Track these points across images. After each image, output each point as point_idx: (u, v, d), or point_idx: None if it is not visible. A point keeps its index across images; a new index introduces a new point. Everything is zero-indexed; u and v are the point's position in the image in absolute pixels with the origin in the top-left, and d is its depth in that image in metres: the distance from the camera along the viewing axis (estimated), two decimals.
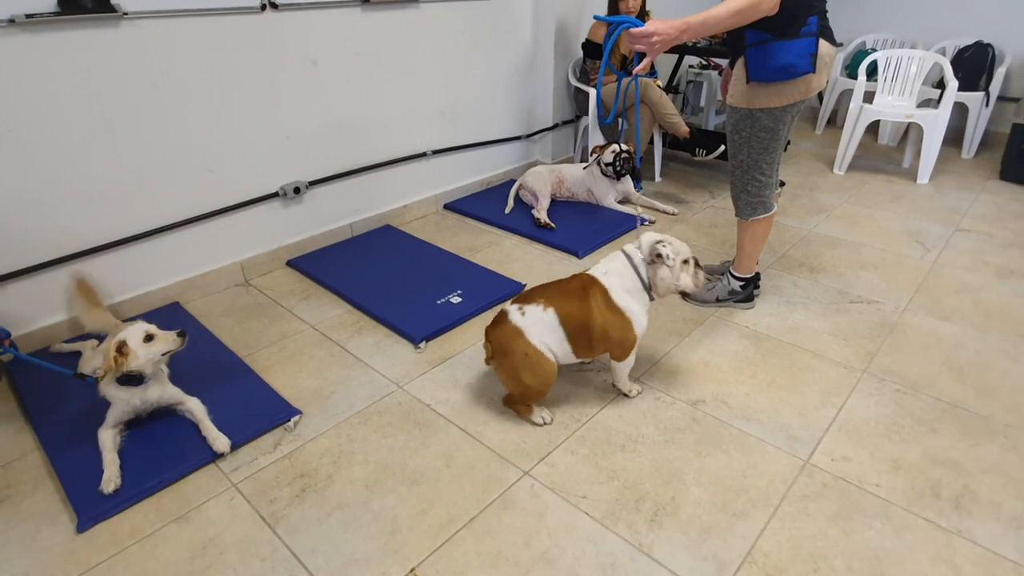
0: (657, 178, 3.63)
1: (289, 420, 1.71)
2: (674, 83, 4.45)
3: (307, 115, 2.49)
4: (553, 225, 2.90)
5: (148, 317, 1.92)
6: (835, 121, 4.78)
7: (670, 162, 3.90)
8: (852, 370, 1.94)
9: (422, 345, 2.06)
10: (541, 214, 2.96)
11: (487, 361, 1.69)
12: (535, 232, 2.89)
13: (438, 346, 2.07)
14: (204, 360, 1.96)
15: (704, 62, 4.55)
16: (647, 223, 3.03)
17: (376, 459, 1.60)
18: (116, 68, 1.97)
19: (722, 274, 2.34)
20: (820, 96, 4.89)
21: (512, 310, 1.65)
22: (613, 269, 1.67)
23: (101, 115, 1.98)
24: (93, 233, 2.08)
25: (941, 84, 4.00)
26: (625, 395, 1.81)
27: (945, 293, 2.39)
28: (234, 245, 2.45)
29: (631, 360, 1.72)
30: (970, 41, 4.06)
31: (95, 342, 1.93)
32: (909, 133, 3.94)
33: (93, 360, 1.79)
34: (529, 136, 3.58)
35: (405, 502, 1.48)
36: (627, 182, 3.18)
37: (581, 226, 2.94)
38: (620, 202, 3.20)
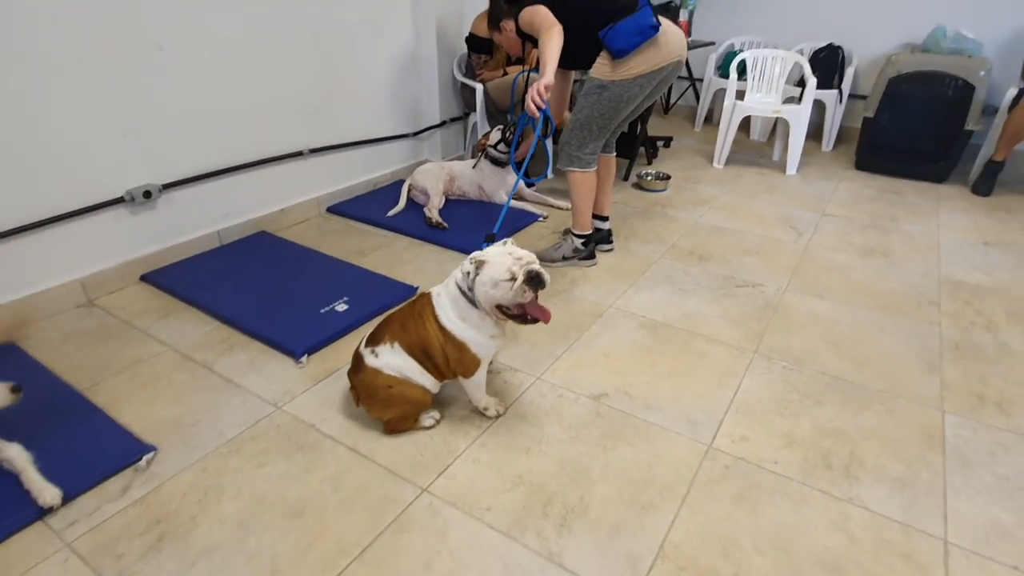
0: (549, 174, 3.61)
1: (140, 459, 1.46)
2: None
3: (154, 108, 2.20)
4: (445, 224, 2.78)
5: None
6: (711, 119, 5.05)
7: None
8: (744, 351, 1.98)
9: (304, 359, 1.86)
10: (432, 213, 2.83)
11: (356, 404, 1.58)
12: (427, 233, 2.75)
13: (322, 359, 1.88)
14: (34, 399, 1.63)
15: None
16: (541, 219, 2.99)
17: (250, 492, 1.40)
18: None
19: (566, 234, 2.55)
20: (697, 95, 5.15)
21: (366, 353, 1.54)
22: (445, 289, 1.51)
23: None
24: None
25: (802, 82, 4.34)
26: (481, 413, 1.67)
27: (818, 273, 2.54)
28: (71, 260, 2.10)
29: (479, 378, 1.56)
30: (823, 44, 4.44)
31: None
32: (777, 128, 4.22)
33: None
34: (416, 134, 3.43)
35: (286, 537, 1.29)
36: (514, 175, 3.12)
37: (475, 224, 2.85)
38: (513, 198, 3.14)
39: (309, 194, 2.92)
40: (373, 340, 1.56)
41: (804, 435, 1.62)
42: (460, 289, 1.48)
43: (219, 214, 2.53)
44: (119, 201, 2.17)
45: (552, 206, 3.14)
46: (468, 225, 2.82)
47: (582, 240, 2.48)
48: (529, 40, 2.30)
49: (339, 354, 1.90)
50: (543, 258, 2.49)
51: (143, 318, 2.07)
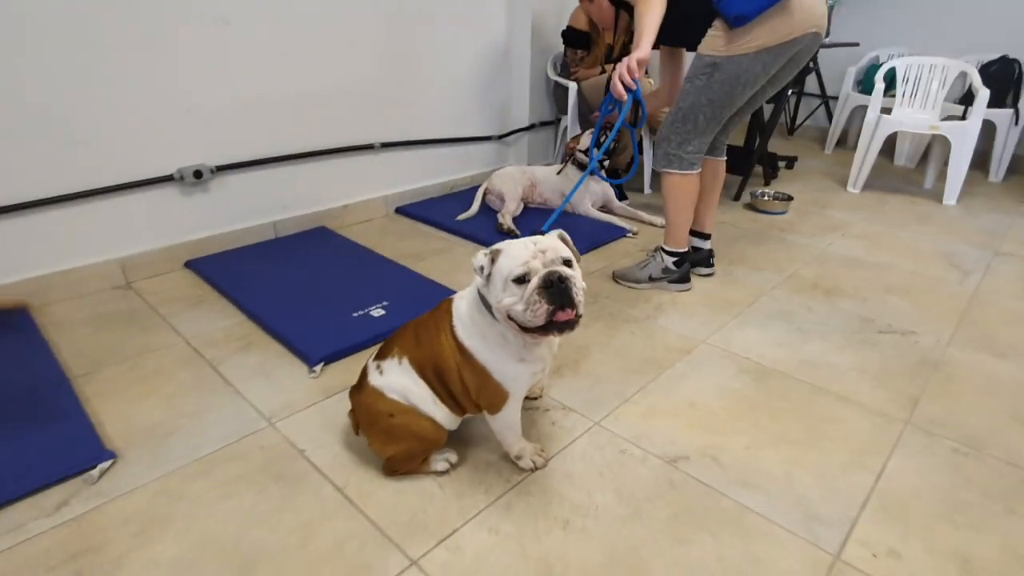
0: (646, 189, 3.18)
1: (94, 467, 1.21)
2: None
3: (215, 85, 2.05)
4: (518, 232, 2.43)
5: None
6: (845, 142, 4.37)
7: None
8: (890, 420, 1.44)
9: (317, 368, 1.56)
10: (505, 219, 2.50)
11: (356, 432, 1.24)
12: (496, 239, 2.39)
13: (339, 370, 1.58)
14: (16, 381, 1.46)
15: None
16: (630, 234, 2.57)
17: (201, 530, 1.09)
18: None
19: (656, 251, 2.11)
20: (829, 114, 4.49)
21: (371, 368, 1.21)
22: (466, 297, 1.14)
23: None
24: None
25: (965, 99, 3.60)
26: (513, 462, 1.26)
27: (995, 324, 1.90)
28: (113, 237, 1.98)
29: (508, 417, 1.17)
30: (994, 56, 3.67)
31: None
32: (931, 152, 3.51)
33: None
34: (502, 137, 3.14)
35: None
36: (606, 186, 2.73)
37: None
38: (600, 210, 2.74)
39: (377, 192, 2.70)
40: (382, 352, 1.23)
41: (991, 562, 1.07)
42: (479, 293, 1.10)
43: (276, 204, 2.36)
44: (168, 179, 2.04)
45: (645, 222, 2.70)
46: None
47: (675, 259, 2.03)
48: (625, 9, 1.92)
49: (358, 367, 1.57)
50: (625, 277, 2.08)
51: (171, 305, 1.89)
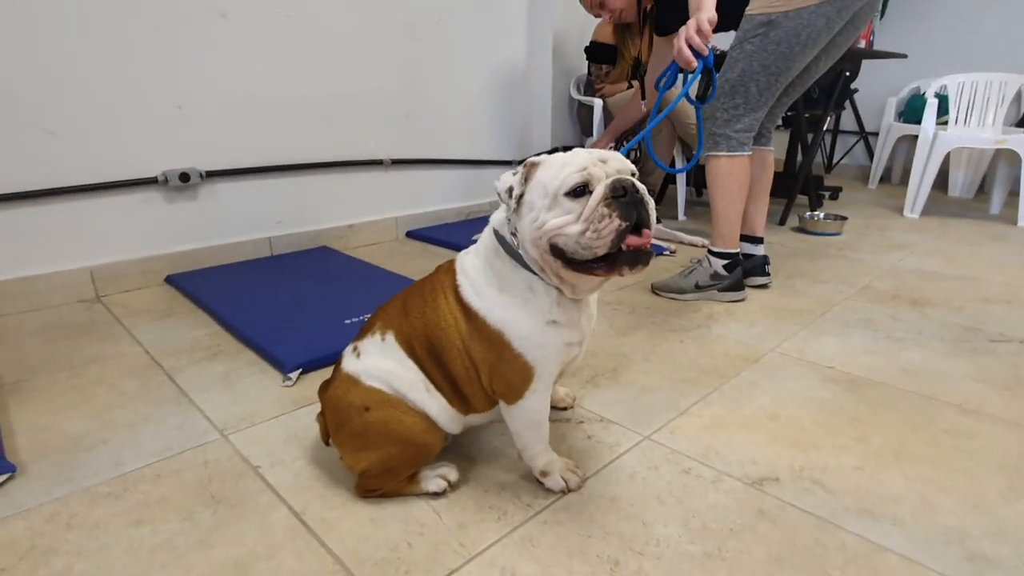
0: (680, 215, 2.91)
1: None
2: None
3: (207, 83, 1.89)
4: None
5: None
6: (890, 178, 4.09)
7: (695, 206, 3.20)
8: None
9: (293, 376, 1.26)
10: None
11: (325, 442, 0.92)
12: None
13: (318, 380, 1.27)
14: None
15: None
16: (667, 253, 2.27)
17: (85, 570, 0.77)
18: None
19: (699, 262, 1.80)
20: (870, 151, 4.25)
21: (347, 353, 0.92)
22: (475, 252, 0.88)
23: None
24: None
25: (1023, 122, 3.34)
26: (538, 480, 0.92)
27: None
28: (83, 244, 1.75)
29: (535, 407, 0.85)
30: None
31: None
32: (991, 178, 3.20)
33: None
34: (522, 162, 2.93)
35: None
36: None
37: None
38: None
39: (386, 212, 2.47)
40: (362, 332, 0.93)
41: None
42: (496, 233, 0.83)
43: (273, 219, 2.13)
44: (151, 182, 1.83)
45: (684, 243, 2.42)
46: None
47: (725, 262, 1.73)
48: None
49: None
50: (667, 288, 1.80)
51: (139, 316, 1.63)
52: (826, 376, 1.29)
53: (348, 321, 1.50)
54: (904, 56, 2.95)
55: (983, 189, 3.59)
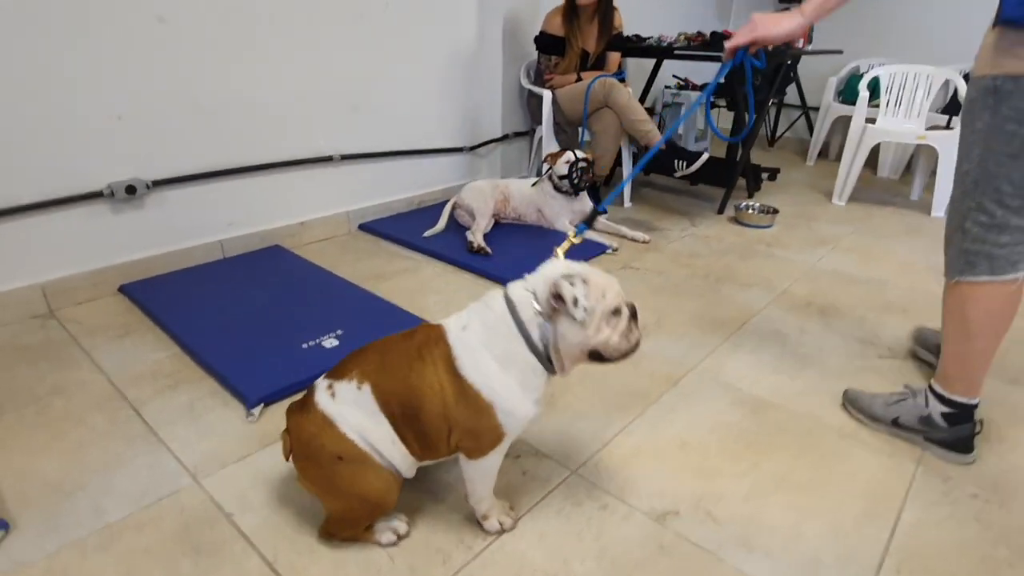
0: (627, 203, 3.04)
1: None
2: (647, 107, 3.93)
3: (148, 91, 1.86)
4: (489, 250, 2.26)
5: None
6: (827, 153, 4.30)
7: (642, 188, 3.32)
8: (900, 459, 1.28)
9: (255, 411, 1.36)
10: (476, 236, 2.33)
11: (286, 457, 1.00)
12: (465, 259, 2.24)
13: (280, 413, 1.37)
14: None
15: (681, 82, 4.06)
16: (610, 251, 2.41)
17: None
18: None
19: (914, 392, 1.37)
20: (809, 125, 4.42)
21: (321, 387, 1.00)
22: (478, 322, 0.97)
23: None
24: None
25: (949, 109, 3.55)
26: (479, 524, 1.07)
27: (1004, 345, 1.77)
28: (34, 260, 1.76)
29: (494, 462, 1.00)
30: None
31: None
32: (915, 163, 3.43)
33: None
34: (473, 148, 2.98)
35: None
36: (585, 200, 2.57)
37: (525, 252, 2.31)
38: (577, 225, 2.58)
39: (338, 207, 2.51)
40: (337, 372, 1.01)
41: None
42: (516, 320, 0.94)
43: (223, 222, 2.15)
44: (98, 196, 1.83)
45: (627, 238, 2.55)
46: (516, 253, 2.29)
47: (949, 411, 1.28)
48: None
49: None
50: (858, 406, 1.42)
51: (96, 336, 1.68)
52: (735, 398, 1.48)
53: (304, 346, 1.59)
54: (840, 52, 3.08)
55: (909, 169, 3.83)
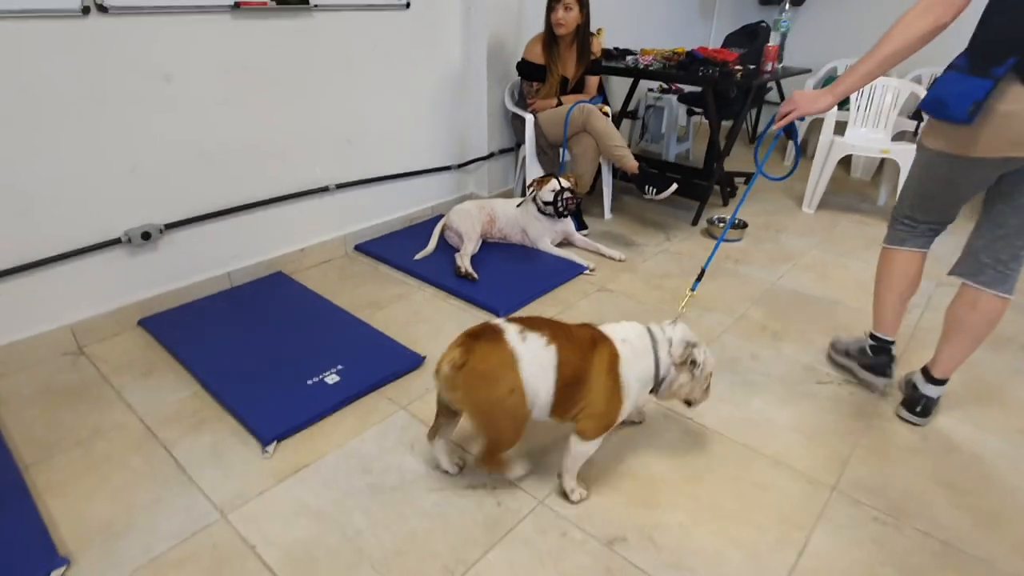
0: (607, 214, 3.22)
1: None
2: (631, 109, 4.07)
3: (158, 143, 2.03)
4: (475, 275, 2.46)
5: None
6: (806, 150, 4.45)
7: (623, 195, 3.50)
8: (819, 486, 1.52)
9: (270, 448, 1.58)
10: (463, 261, 2.52)
11: (455, 368, 1.24)
12: (453, 283, 2.44)
13: (293, 448, 1.60)
14: None
15: (664, 85, 4.19)
16: (587, 271, 2.61)
17: None
18: None
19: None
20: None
21: (509, 329, 1.30)
22: (633, 343, 1.38)
23: None
24: None
25: (918, 115, 3.70)
26: (566, 497, 1.44)
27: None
28: (62, 304, 1.96)
29: (592, 447, 1.38)
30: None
31: None
32: (884, 168, 3.60)
33: None
34: (461, 166, 3.14)
35: None
36: (567, 222, 2.76)
37: (509, 276, 2.51)
38: (559, 244, 2.78)
39: (335, 232, 2.69)
40: (524, 323, 1.33)
41: None
42: (655, 355, 1.39)
43: (229, 254, 2.34)
44: (116, 243, 2.01)
45: (605, 256, 2.74)
46: (500, 278, 2.49)
47: (874, 344, 1.84)
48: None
49: (313, 444, 1.61)
50: (835, 348, 2.01)
51: (123, 374, 1.89)
52: (685, 429, 1.70)
53: (309, 382, 1.80)
54: (808, 71, 3.21)
55: (881, 170, 4.00)
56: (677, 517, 1.42)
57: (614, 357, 1.33)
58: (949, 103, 1.41)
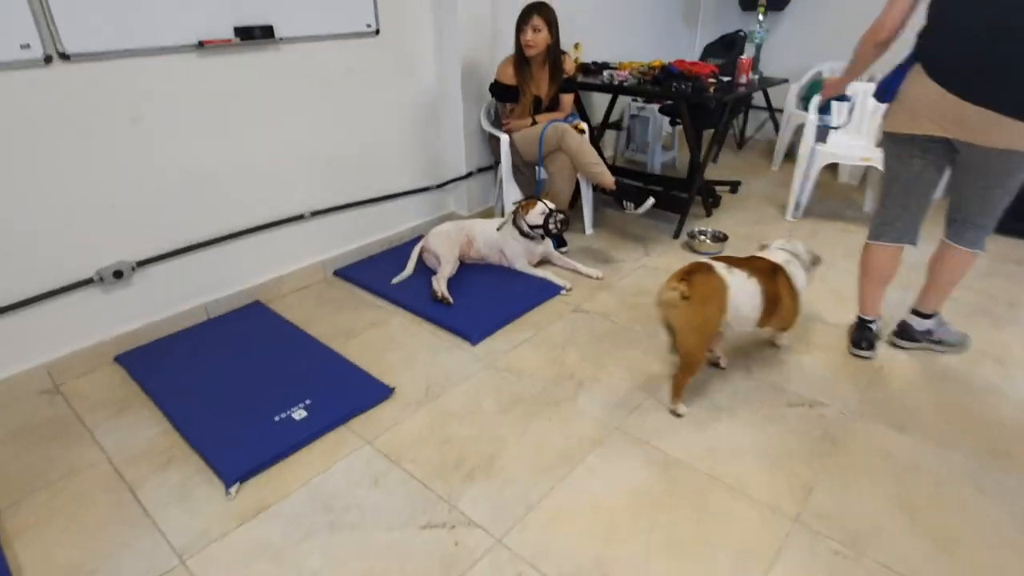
0: (588, 229, 3.22)
1: None
2: (615, 120, 4.07)
3: (128, 182, 2.05)
4: (451, 300, 2.47)
5: None
6: (792, 155, 4.41)
7: (605, 208, 3.49)
8: (781, 516, 1.51)
9: (233, 490, 1.60)
10: (440, 284, 2.53)
11: (682, 295, 1.69)
12: (428, 308, 2.46)
13: (257, 488, 1.62)
14: None
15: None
16: (564, 292, 2.61)
17: None
18: None
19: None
20: (776, 126, 4.55)
21: (718, 266, 1.80)
22: (792, 262, 1.98)
23: None
24: None
25: None
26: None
27: (902, 388, 1.99)
28: (38, 344, 1.99)
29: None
30: None
31: None
32: (869, 174, 3.58)
33: None
34: (440, 186, 3.16)
35: None
36: (546, 243, 2.77)
37: (485, 299, 2.52)
38: (538, 264, 2.79)
39: (313, 258, 2.71)
40: (730, 263, 1.83)
41: None
42: (804, 267, 2.02)
43: (205, 286, 2.37)
44: (88, 283, 2.04)
45: (583, 274, 2.74)
46: (476, 302, 2.50)
47: (857, 322, 2.19)
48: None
49: (277, 483, 1.63)
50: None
51: (97, 412, 1.91)
52: (648, 457, 1.71)
53: (276, 419, 1.82)
54: (786, 81, 3.20)
55: (867, 177, 3.98)
56: (632, 551, 1.42)
57: (790, 278, 1.93)
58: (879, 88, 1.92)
